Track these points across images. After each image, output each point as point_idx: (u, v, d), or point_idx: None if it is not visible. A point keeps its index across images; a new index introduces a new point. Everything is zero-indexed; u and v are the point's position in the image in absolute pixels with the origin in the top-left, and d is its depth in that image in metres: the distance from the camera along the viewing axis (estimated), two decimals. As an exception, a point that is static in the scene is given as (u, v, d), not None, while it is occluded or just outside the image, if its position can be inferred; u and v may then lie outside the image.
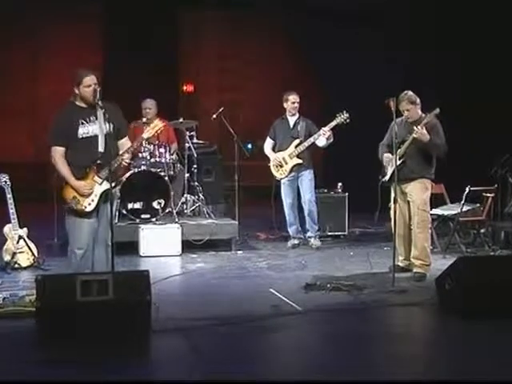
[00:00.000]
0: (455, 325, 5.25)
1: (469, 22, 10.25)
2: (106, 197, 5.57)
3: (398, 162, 6.70)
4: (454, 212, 8.03)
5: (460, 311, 5.30)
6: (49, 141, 5.57)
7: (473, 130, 9.78)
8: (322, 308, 5.63)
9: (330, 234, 9.01)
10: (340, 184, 9.22)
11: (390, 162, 6.83)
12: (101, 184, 5.57)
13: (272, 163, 8.50)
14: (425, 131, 6.57)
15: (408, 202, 6.86)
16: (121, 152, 5.64)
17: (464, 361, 4.49)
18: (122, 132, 5.76)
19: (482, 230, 8.29)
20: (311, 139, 8.30)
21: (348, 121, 8.13)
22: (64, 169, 5.51)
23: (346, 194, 9.14)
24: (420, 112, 6.79)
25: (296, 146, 8.36)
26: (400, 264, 6.96)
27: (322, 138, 8.26)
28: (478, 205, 8.11)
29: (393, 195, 6.81)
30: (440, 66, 10.66)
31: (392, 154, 6.76)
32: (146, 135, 5.96)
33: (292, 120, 8.55)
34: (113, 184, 5.47)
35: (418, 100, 6.80)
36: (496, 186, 8.15)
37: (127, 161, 5.71)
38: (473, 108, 10.01)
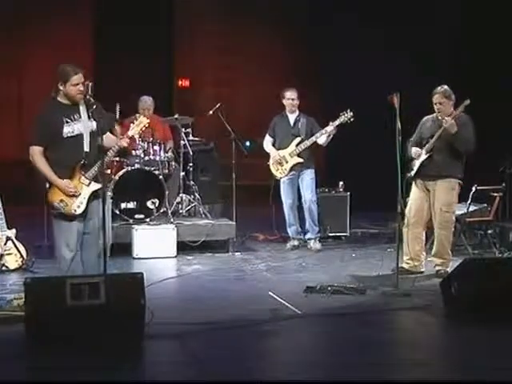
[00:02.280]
0: (461, 329, 5.18)
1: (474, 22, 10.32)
2: (94, 197, 5.42)
3: (425, 157, 6.68)
4: (460, 212, 7.88)
5: (466, 315, 5.22)
6: (29, 140, 5.38)
7: (479, 128, 9.74)
8: (322, 312, 5.56)
9: (331, 234, 8.91)
10: (341, 183, 9.09)
11: (419, 157, 6.76)
12: (88, 185, 5.41)
13: (271, 161, 8.34)
14: (454, 122, 6.48)
15: (429, 200, 6.77)
16: (109, 149, 5.50)
17: (467, 365, 4.42)
18: (106, 125, 5.56)
19: (490, 231, 8.20)
20: (313, 138, 8.16)
21: (352, 120, 8.02)
22: (45, 167, 5.31)
23: (348, 193, 9.02)
24: (452, 109, 6.68)
25: (297, 145, 8.20)
26: (404, 266, 6.85)
27: (324, 136, 8.12)
28: (485, 205, 8.05)
29: (411, 193, 6.76)
30: (444, 65, 10.65)
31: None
32: (130, 133, 5.77)
33: (292, 117, 8.40)
34: (101, 184, 5.36)
35: (453, 97, 6.70)
36: (504, 185, 8.10)
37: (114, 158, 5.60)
38: (479, 106, 9.96)
